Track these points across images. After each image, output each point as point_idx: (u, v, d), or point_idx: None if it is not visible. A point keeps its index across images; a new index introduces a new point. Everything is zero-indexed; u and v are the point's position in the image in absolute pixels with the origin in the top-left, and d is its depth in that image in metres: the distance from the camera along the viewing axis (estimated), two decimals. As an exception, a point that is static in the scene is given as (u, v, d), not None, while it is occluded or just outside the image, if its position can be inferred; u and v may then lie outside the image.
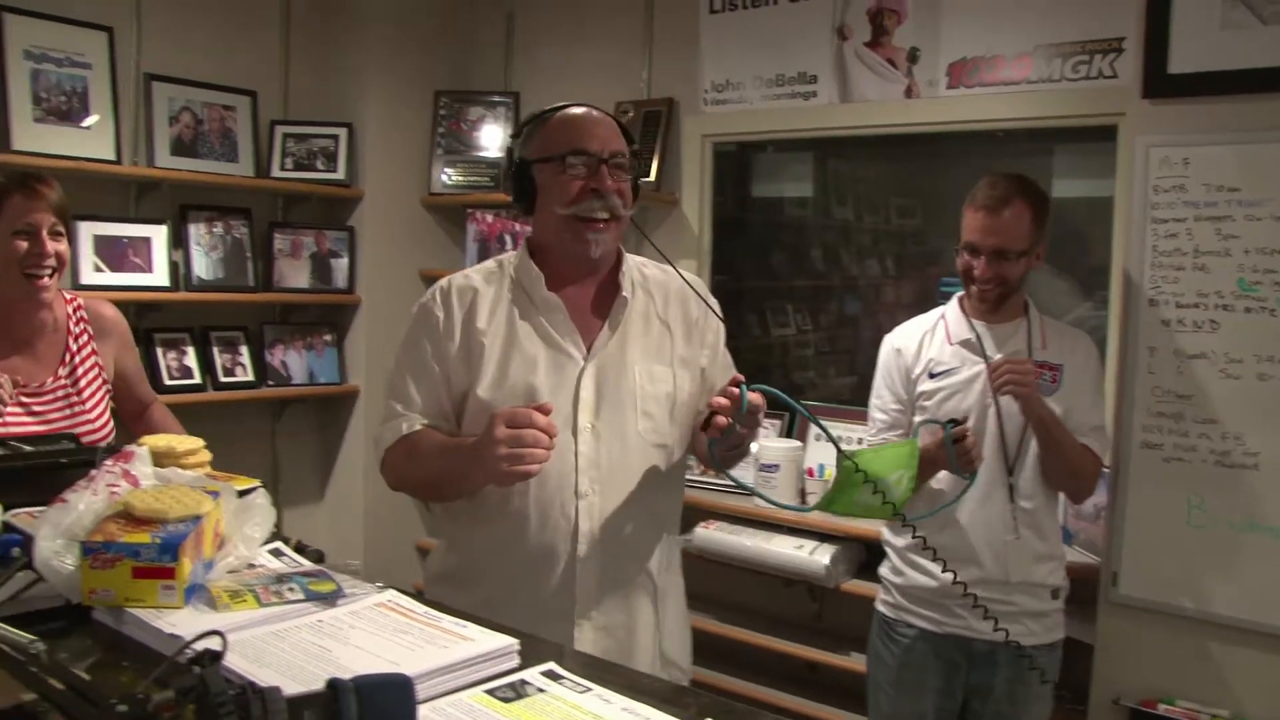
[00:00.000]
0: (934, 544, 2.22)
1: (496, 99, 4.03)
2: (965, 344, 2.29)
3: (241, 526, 1.69)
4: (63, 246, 2.21)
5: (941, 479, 2.25)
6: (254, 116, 3.71)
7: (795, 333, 4.04)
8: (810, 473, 3.22)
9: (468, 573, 1.88)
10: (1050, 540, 2.28)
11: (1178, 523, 2.30)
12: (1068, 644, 2.59)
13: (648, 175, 3.55)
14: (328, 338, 3.91)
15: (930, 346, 2.36)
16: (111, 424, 2.39)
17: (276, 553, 1.75)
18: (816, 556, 3.03)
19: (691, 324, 1.89)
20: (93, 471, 1.74)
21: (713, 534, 3.24)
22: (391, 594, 1.53)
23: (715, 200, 3.67)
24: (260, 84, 3.75)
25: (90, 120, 3.28)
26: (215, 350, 3.61)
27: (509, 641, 1.36)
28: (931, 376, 2.33)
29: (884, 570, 2.46)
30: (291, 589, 1.53)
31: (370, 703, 1.07)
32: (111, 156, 3.30)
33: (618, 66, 3.76)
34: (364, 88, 3.90)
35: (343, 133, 3.84)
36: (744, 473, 3.36)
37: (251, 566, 1.68)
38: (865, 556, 3.14)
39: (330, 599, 1.51)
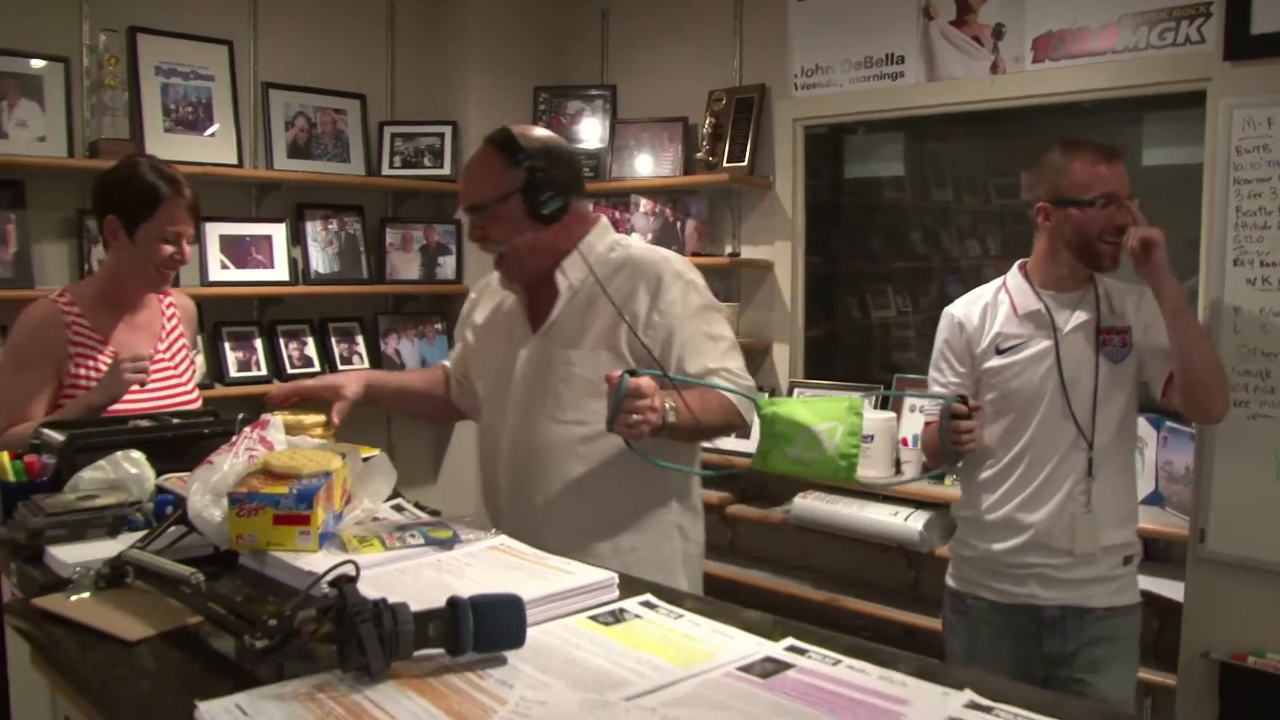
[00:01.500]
0: (997, 512, 2.29)
1: (594, 92, 4.19)
2: (1032, 316, 2.24)
3: (367, 485, 1.87)
4: (190, 250, 2.44)
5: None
6: (364, 118, 3.94)
7: (895, 314, 4.09)
8: (905, 442, 3.28)
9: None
10: (1124, 508, 2.25)
11: (1265, 478, 2.31)
12: (1161, 604, 2.62)
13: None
14: (438, 326, 4.12)
15: (995, 320, 2.30)
16: (200, 397, 2.60)
17: (399, 508, 1.92)
18: (910, 523, 3.10)
19: (636, 306, 2.00)
20: (234, 438, 1.94)
21: (810, 504, 3.33)
22: (503, 538, 1.68)
23: (808, 183, 3.76)
24: (369, 87, 3.97)
25: (214, 128, 3.53)
26: (333, 340, 3.84)
27: (608, 575, 1.49)
28: (999, 352, 2.28)
29: (952, 543, 2.47)
30: (413, 535, 1.69)
31: (485, 617, 1.22)
32: (234, 161, 3.55)
33: (710, 56, 3.88)
34: (466, 87, 4.10)
35: (448, 131, 4.04)
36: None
37: (376, 519, 1.85)
38: (959, 523, 3.20)
39: (448, 544, 1.67)
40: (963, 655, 2.41)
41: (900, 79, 3.38)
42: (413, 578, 1.50)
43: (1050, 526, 2.22)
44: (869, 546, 3.30)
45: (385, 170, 3.98)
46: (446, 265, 4.09)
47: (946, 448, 2.18)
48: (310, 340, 3.77)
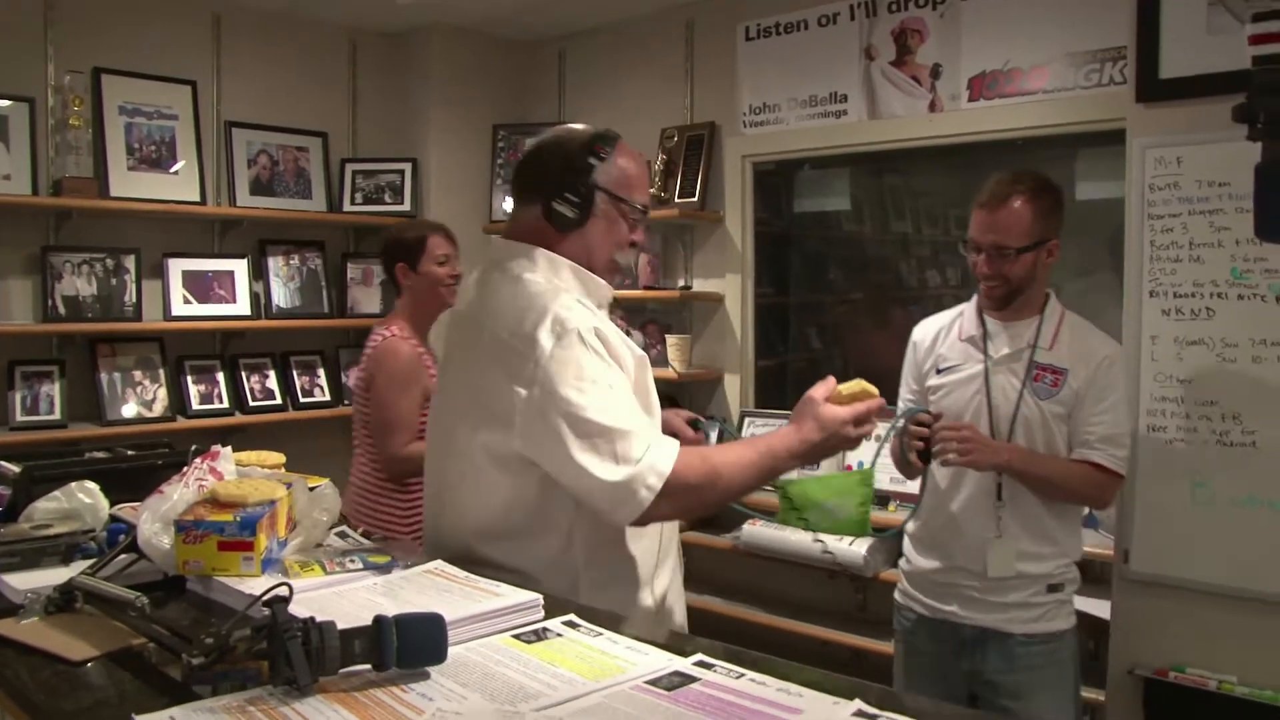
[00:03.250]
0: (927, 531, 2.39)
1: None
2: (970, 340, 2.34)
3: (312, 514, 1.94)
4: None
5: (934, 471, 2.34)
6: (325, 156, 4.03)
7: (843, 342, 4.19)
8: (849, 468, 3.37)
9: None
10: (1051, 540, 2.28)
11: (1183, 501, 2.40)
12: (1094, 624, 2.70)
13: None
14: (398, 359, 4.18)
15: (943, 342, 2.41)
16: None
17: (342, 534, 1.99)
18: (855, 548, 3.19)
19: None
20: (184, 469, 2.01)
21: (759, 530, 3.41)
22: (439, 563, 1.75)
23: (758, 216, 3.87)
24: (331, 125, 4.06)
25: (178, 166, 3.61)
26: (295, 373, 3.90)
27: (533, 596, 1.56)
28: (938, 372, 2.39)
29: (900, 559, 2.55)
30: (353, 560, 1.76)
31: (408, 634, 1.29)
32: (196, 198, 3.63)
33: (662, 94, 4.00)
34: (426, 125, 4.19)
35: (408, 168, 4.13)
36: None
37: (320, 546, 1.92)
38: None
39: (386, 568, 1.74)
40: (900, 667, 2.51)
41: (844, 117, 3.50)
42: (348, 600, 1.57)
43: (966, 548, 2.30)
44: (817, 570, 3.38)
45: (347, 206, 4.07)
46: (408, 299, 4.17)
47: (906, 456, 2.29)
48: (272, 373, 3.84)
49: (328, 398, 3.97)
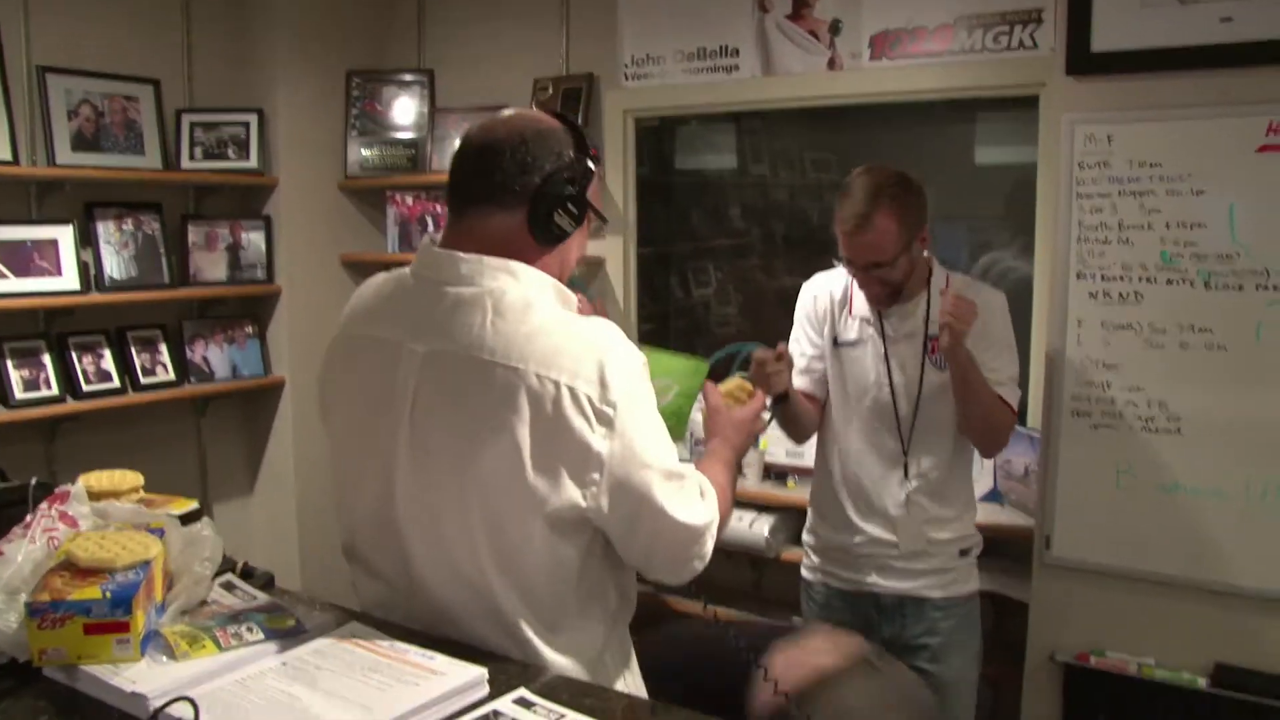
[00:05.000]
0: (838, 507, 2.40)
1: (410, 78, 3.94)
2: (867, 318, 2.33)
3: (191, 563, 1.66)
4: None
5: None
6: (158, 106, 3.56)
7: (726, 303, 4.05)
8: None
9: None
10: (954, 506, 2.32)
11: (1107, 486, 2.38)
12: (998, 600, 2.70)
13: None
14: (249, 329, 3.81)
15: (839, 314, 2.39)
16: None
17: (229, 586, 1.72)
18: (756, 528, 3.09)
19: None
20: (28, 517, 1.69)
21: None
22: (354, 628, 1.51)
23: (639, 172, 3.65)
24: (163, 71, 3.59)
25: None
26: (133, 351, 3.49)
27: (478, 672, 1.36)
28: (835, 345, 2.38)
29: (804, 534, 2.55)
30: (250, 628, 1.50)
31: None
32: (7, 156, 3.14)
33: (535, 42, 3.69)
34: (273, 71, 3.76)
35: (253, 119, 3.71)
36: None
37: (205, 604, 1.65)
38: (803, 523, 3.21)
39: (291, 634, 1.49)
40: None
41: (735, 72, 3.30)
42: (257, 694, 1.32)
43: (877, 521, 2.33)
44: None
45: (185, 163, 3.62)
46: (256, 264, 3.78)
47: (775, 408, 2.27)
48: (107, 352, 3.41)
49: (171, 376, 3.57)
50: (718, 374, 1.97)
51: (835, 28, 3.11)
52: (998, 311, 2.24)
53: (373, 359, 1.55)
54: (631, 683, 1.64)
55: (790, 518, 3.16)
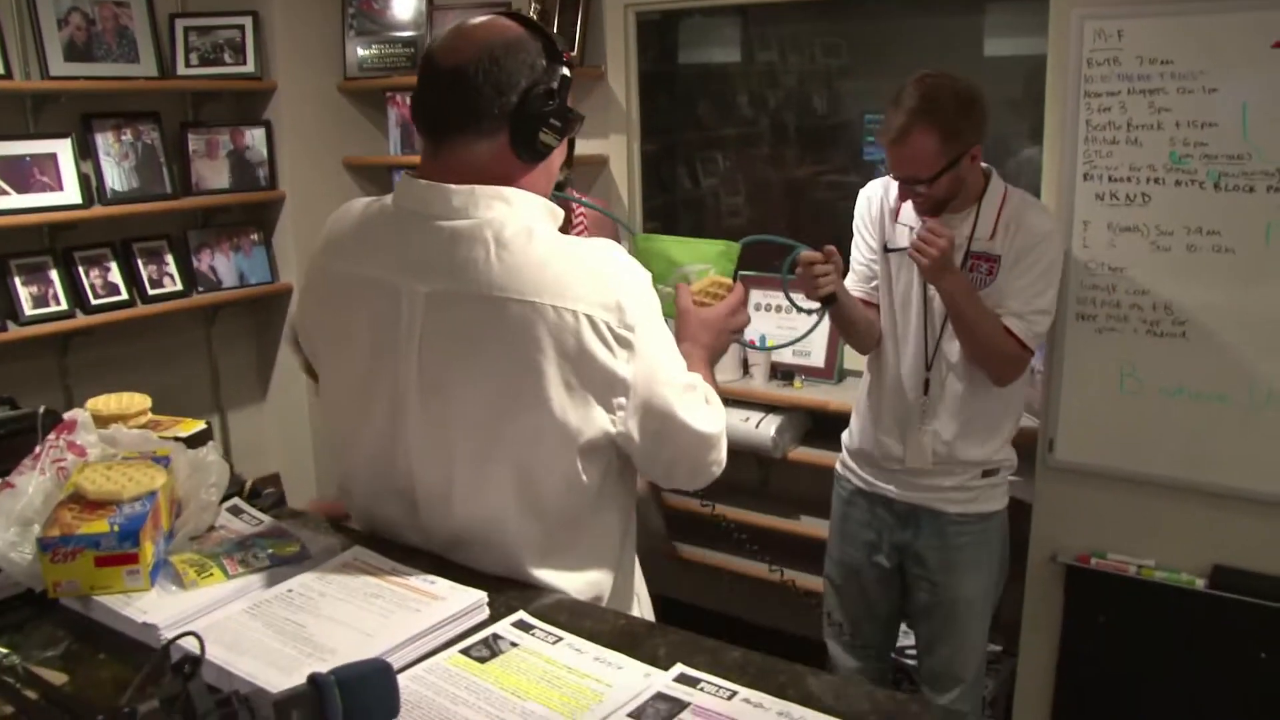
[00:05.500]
0: (867, 410, 2.42)
1: (407, -29, 3.83)
2: (912, 229, 2.26)
3: (197, 490, 1.69)
4: None
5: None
6: (150, 11, 3.47)
7: (722, 182, 3.99)
8: (752, 343, 3.24)
9: None
10: (978, 426, 2.28)
11: (1111, 390, 2.38)
12: (1011, 504, 2.70)
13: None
14: (254, 237, 3.81)
15: (889, 220, 2.35)
16: None
17: (235, 510, 1.75)
18: (763, 429, 3.10)
19: None
20: (36, 447, 1.72)
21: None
22: (358, 552, 1.54)
23: (644, 65, 3.56)
24: (152, -26, 3.51)
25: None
26: (139, 263, 3.49)
27: (478, 596, 1.39)
28: (886, 250, 2.35)
29: (844, 433, 2.58)
30: (256, 555, 1.54)
31: (353, 695, 1.10)
32: None
33: (533, -67, 3.57)
34: (264, -30, 3.67)
35: (248, 22, 3.62)
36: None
37: (214, 529, 1.68)
38: (810, 424, 3.23)
39: (296, 560, 1.53)
40: (834, 533, 2.57)
41: (739, -38, 3.20)
42: (264, 622, 1.36)
43: (895, 432, 2.34)
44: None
45: (181, 69, 3.56)
46: (259, 170, 3.75)
47: (795, 298, 2.26)
48: (114, 265, 3.42)
49: (179, 286, 3.58)
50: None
51: (842, -88, 2.99)
52: (1040, 240, 2.16)
53: (369, 301, 1.51)
54: (639, 612, 1.68)
55: (797, 418, 3.17)
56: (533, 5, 3.46)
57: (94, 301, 3.34)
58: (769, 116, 3.76)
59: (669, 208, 3.88)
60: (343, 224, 1.61)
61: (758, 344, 3.22)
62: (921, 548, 2.36)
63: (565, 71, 1.50)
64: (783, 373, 3.24)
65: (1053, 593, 2.52)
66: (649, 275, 1.50)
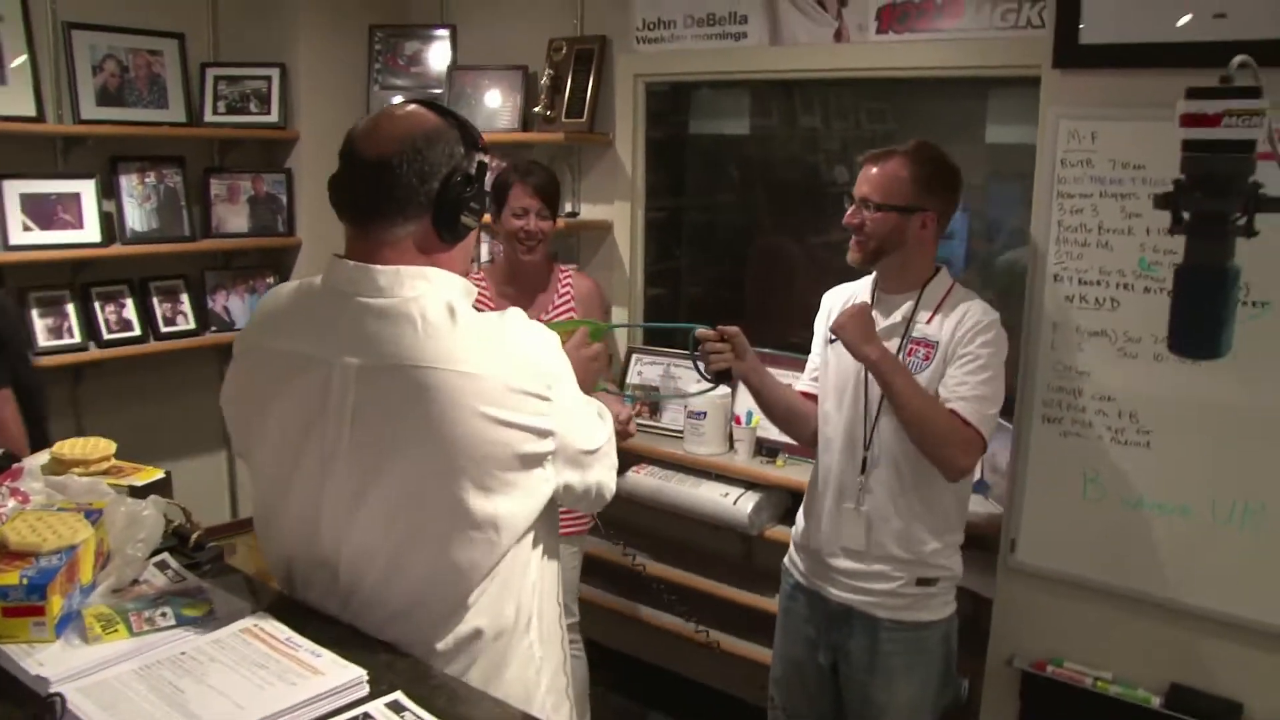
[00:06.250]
0: (808, 501, 2.43)
1: (433, 31, 3.93)
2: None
3: (126, 545, 1.73)
4: (546, 225, 2.84)
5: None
6: (183, 60, 3.63)
7: (740, 278, 3.98)
8: (738, 420, 3.25)
9: None
10: (913, 516, 2.23)
11: (1074, 496, 2.33)
12: (982, 600, 2.65)
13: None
14: (270, 280, 3.91)
15: (837, 311, 2.37)
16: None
17: (163, 565, 1.79)
18: (740, 505, 3.09)
19: None
20: (-22, 492, 1.78)
21: (642, 479, 3.29)
22: (260, 620, 1.57)
23: (650, 136, 3.61)
24: (187, 25, 3.65)
25: (18, 61, 3.19)
26: (155, 301, 3.61)
27: (356, 674, 1.40)
28: (829, 343, 2.36)
29: (794, 525, 2.55)
30: (164, 614, 1.57)
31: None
32: (32, 113, 3.24)
33: (551, 1, 3.65)
34: (296, 25, 3.80)
35: (275, 73, 3.76)
36: (674, 419, 3.41)
37: (136, 583, 1.73)
38: (790, 503, 3.20)
39: (202, 622, 1.56)
40: (778, 629, 2.54)
41: (743, 40, 3.23)
42: (148, 684, 1.39)
43: (831, 516, 2.32)
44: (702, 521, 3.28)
45: (209, 116, 3.70)
46: (278, 217, 3.86)
47: (699, 370, 2.30)
48: (129, 302, 3.54)
49: (192, 325, 3.69)
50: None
51: (844, -2, 3.02)
52: (980, 330, 2.15)
53: (299, 376, 1.56)
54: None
55: (776, 497, 3.15)
56: (545, 73, 3.53)
57: (107, 336, 3.45)
58: (773, 186, 3.78)
59: (671, 273, 3.90)
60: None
61: (743, 421, 3.22)
62: (853, 649, 2.30)
63: (482, 158, 1.59)
64: (767, 449, 3.23)
65: (1008, 698, 2.46)
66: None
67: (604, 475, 1.69)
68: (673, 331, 3.65)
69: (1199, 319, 1.42)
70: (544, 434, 1.53)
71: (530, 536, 1.62)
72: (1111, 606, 2.31)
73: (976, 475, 2.88)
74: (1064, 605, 2.37)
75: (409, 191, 1.52)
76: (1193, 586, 2.21)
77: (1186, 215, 1.45)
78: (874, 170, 2.21)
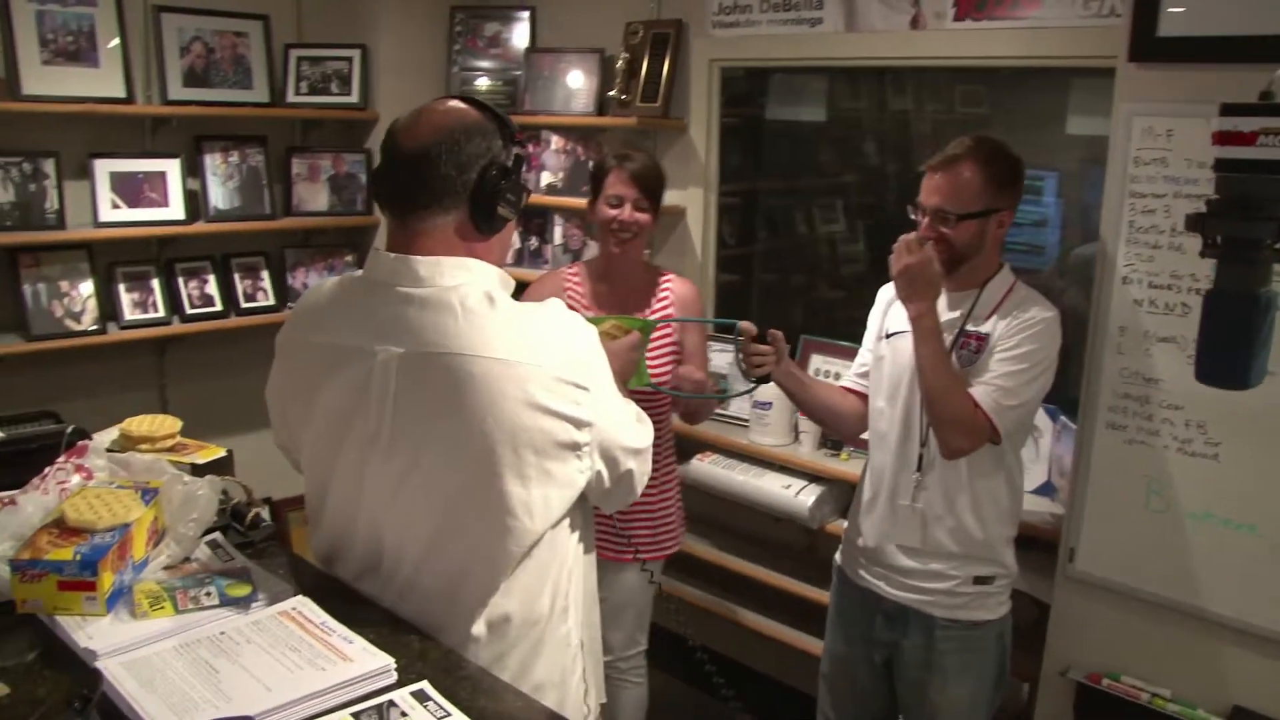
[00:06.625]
0: (861, 501, 2.40)
1: (513, 13, 3.94)
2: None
3: (179, 523, 1.80)
4: (643, 217, 2.62)
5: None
6: (267, 41, 3.70)
7: (814, 264, 3.94)
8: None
9: None
10: (973, 519, 2.21)
11: (1136, 505, 2.25)
12: (1038, 604, 2.60)
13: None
14: (349, 258, 3.99)
15: (895, 306, 2.33)
16: (668, 367, 2.64)
17: (214, 545, 1.86)
18: (802, 497, 3.06)
19: None
20: (46, 469, 1.87)
21: (705, 466, 3.29)
22: (299, 603, 1.62)
23: (725, 121, 3.58)
24: (272, 7, 3.73)
25: (111, 44, 3.30)
26: (236, 277, 3.71)
27: (384, 662, 1.45)
28: (886, 338, 2.34)
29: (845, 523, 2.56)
30: (209, 593, 1.64)
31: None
32: (122, 94, 3.34)
33: (631, -16, 3.64)
34: (378, 6, 3.85)
35: (356, 54, 3.82)
36: (740, 407, 3.38)
37: (188, 561, 1.80)
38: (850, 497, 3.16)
39: (244, 603, 1.62)
40: (829, 625, 2.55)
41: (819, 25, 3.17)
42: (186, 660, 1.46)
43: (887, 514, 2.30)
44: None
45: (291, 97, 3.77)
46: (357, 196, 3.93)
47: (741, 369, 2.28)
48: (212, 278, 3.65)
49: (272, 301, 3.79)
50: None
51: (922, -18, 2.93)
52: (1027, 326, 2.12)
53: (342, 367, 1.61)
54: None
55: (839, 490, 3.12)
56: (621, 57, 3.52)
57: (190, 310, 3.56)
58: (847, 174, 3.72)
59: (743, 260, 3.87)
60: (315, 299, 1.72)
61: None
62: (908, 648, 2.29)
63: (519, 150, 1.62)
64: (832, 441, 3.19)
65: (1063, 710, 2.39)
66: (594, 329, 1.66)
67: (637, 474, 1.70)
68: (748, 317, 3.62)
69: (1228, 347, 1.35)
70: (581, 424, 1.56)
71: (565, 524, 1.66)
72: (1172, 622, 2.23)
73: (1044, 477, 2.82)
74: (1123, 618, 2.30)
75: (447, 182, 1.55)
76: (1259, 607, 2.12)
77: (1218, 238, 1.38)
78: (943, 179, 2.13)
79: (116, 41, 3.33)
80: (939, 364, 2.10)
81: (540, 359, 1.52)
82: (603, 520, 2.49)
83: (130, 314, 3.44)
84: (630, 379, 2.04)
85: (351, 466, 1.64)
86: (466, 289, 1.55)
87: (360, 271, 1.67)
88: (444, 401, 1.53)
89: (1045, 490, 2.81)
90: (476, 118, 1.58)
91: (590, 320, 2.08)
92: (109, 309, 3.42)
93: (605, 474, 1.64)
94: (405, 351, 1.55)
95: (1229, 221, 1.32)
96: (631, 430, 1.69)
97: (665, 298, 2.72)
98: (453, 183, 1.55)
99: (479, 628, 1.60)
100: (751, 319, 2.29)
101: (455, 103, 1.61)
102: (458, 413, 1.52)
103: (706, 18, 3.43)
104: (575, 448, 1.57)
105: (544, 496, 1.56)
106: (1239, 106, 1.31)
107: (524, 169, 1.63)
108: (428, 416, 1.55)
